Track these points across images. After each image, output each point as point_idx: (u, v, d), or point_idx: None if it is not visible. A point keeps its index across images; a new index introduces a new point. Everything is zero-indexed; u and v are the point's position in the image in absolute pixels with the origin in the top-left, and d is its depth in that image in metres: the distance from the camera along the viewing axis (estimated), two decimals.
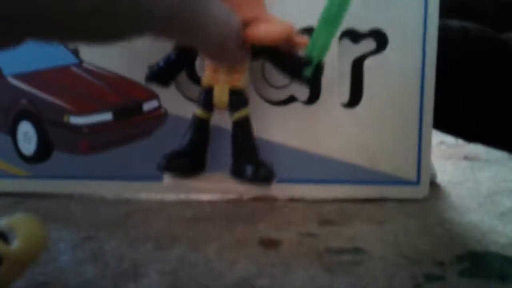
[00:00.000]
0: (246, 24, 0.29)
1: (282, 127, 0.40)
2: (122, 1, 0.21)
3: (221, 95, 0.33)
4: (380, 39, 0.39)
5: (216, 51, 0.28)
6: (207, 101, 0.34)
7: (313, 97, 0.40)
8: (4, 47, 0.22)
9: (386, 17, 0.39)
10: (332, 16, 0.31)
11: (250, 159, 0.34)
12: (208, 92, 0.34)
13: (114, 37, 0.23)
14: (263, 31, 0.30)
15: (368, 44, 0.40)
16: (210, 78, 0.34)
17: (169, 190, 0.40)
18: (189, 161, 0.34)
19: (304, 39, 0.32)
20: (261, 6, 0.32)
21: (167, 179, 0.35)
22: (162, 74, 0.36)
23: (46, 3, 0.19)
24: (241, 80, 0.34)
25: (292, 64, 0.33)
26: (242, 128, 0.34)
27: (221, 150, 0.35)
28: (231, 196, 0.40)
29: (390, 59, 0.39)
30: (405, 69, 0.40)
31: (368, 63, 0.40)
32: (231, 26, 0.27)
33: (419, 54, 0.39)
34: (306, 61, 0.32)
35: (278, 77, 0.40)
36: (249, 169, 0.33)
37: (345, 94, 0.40)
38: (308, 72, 0.32)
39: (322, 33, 0.31)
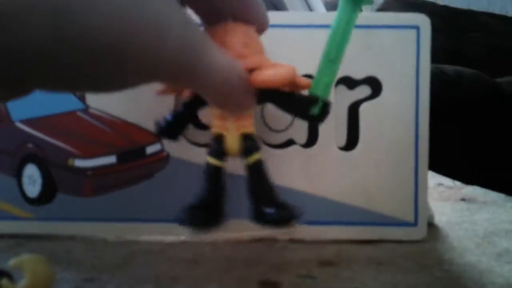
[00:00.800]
0: (250, 71, 0.30)
1: (282, 169, 0.41)
2: (128, 50, 0.21)
3: (232, 142, 0.33)
4: (375, 85, 0.41)
5: (221, 98, 0.28)
6: (219, 149, 0.33)
7: (311, 140, 0.41)
8: (13, 98, 0.23)
9: (380, 64, 0.41)
10: (333, 55, 0.32)
11: (270, 202, 0.33)
12: (219, 141, 0.33)
13: (119, 85, 0.24)
14: (269, 75, 0.30)
15: (363, 90, 0.41)
16: (219, 127, 0.33)
17: (171, 230, 0.40)
18: (209, 212, 0.33)
19: (307, 80, 0.32)
20: (263, 54, 0.32)
21: (187, 234, 0.33)
22: (172, 128, 0.35)
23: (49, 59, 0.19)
24: (250, 126, 0.33)
25: (299, 104, 0.33)
26: (257, 171, 0.33)
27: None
28: (232, 236, 0.41)
29: (385, 104, 0.41)
30: (399, 113, 0.41)
31: (363, 108, 0.41)
32: (235, 72, 0.28)
33: (413, 99, 0.41)
34: (313, 100, 0.32)
35: (277, 121, 0.41)
36: (269, 212, 0.32)
37: (342, 137, 0.41)
38: (315, 110, 0.32)
39: (326, 71, 0.32)
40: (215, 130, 0.34)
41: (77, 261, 0.38)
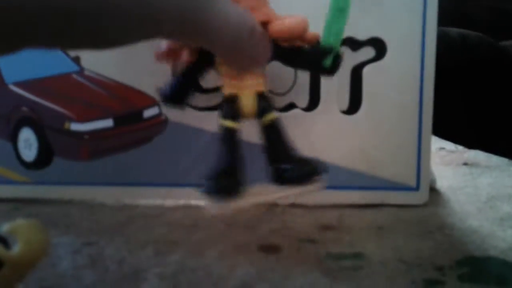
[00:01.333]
0: (263, 24, 0.29)
1: None
2: (130, 3, 0.20)
3: (249, 102, 0.32)
4: (379, 47, 0.40)
5: (235, 52, 0.27)
6: (233, 110, 0.32)
7: (313, 104, 0.40)
8: (2, 54, 0.22)
9: (384, 25, 0.39)
10: (341, 3, 0.31)
11: (289, 159, 0.31)
12: (232, 101, 0.32)
13: (121, 41, 0.22)
14: (288, 24, 0.29)
15: (367, 52, 0.40)
16: (232, 86, 0.32)
17: (169, 195, 0.39)
18: (234, 178, 0.31)
19: (315, 33, 0.31)
20: (268, 7, 0.31)
21: (211, 206, 0.30)
22: (176, 94, 0.34)
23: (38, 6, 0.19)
24: (264, 84, 0.32)
25: (311, 57, 0.32)
26: (274, 131, 0.32)
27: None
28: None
29: (389, 66, 0.40)
30: (404, 76, 0.40)
31: (367, 70, 0.40)
32: (248, 24, 0.27)
33: (418, 61, 0.40)
34: (325, 51, 0.31)
35: (278, 84, 0.40)
36: (289, 169, 0.31)
37: (344, 101, 0.40)
38: (328, 62, 0.31)
39: (335, 21, 0.31)
40: (227, 90, 0.32)
41: (75, 225, 0.37)
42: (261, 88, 0.32)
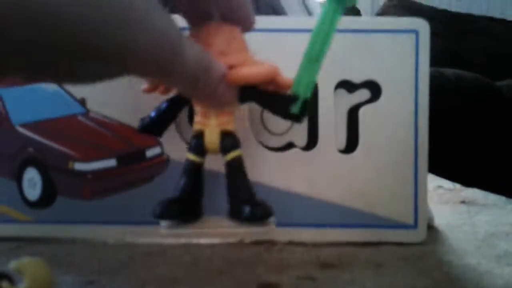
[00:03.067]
0: (231, 68, 0.30)
1: (281, 172, 0.41)
2: (109, 40, 0.22)
3: (211, 138, 0.34)
4: (374, 89, 0.41)
5: (197, 92, 0.29)
6: (198, 145, 0.34)
7: (311, 143, 0.42)
8: None
9: (379, 68, 0.41)
10: (315, 54, 0.32)
11: (246, 199, 0.33)
12: (199, 137, 0.34)
13: (99, 78, 0.24)
14: (247, 71, 0.31)
15: (363, 94, 0.41)
16: (200, 123, 0.34)
17: (170, 233, 0.40)
18: (184, 207, 0.34)
19: (288, 79, 0.32)
20: (246, 53, 0.33)
21: (164, 227, 0.33)
22: (154, 124, 0.36)
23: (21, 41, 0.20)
24: (231, 123, 0.34)
25: (279, 102, 0.33)
26: (236, 169, 0.34)
27: (218, 194, 0.35)
28: (231, 239, 0.41)
29: (384, 107, 0.41)
30: (399, 116, 0.41)
31: (363, 111, 0.41)
32: (200, 64, 0.28)
33: (412, 102, 0.41)
34: (292, 98, 0.32)
35: (277, 124, 0.41)
36: (245, 209, 0.33)
37: (342, 140, 0.42)
38: (295, 109, 0.32)
39: (307, 71, 0.32)
40: (196, 126, 0.35)
41: (78, 264, 0.38)
42: (227, 126, 0.34)
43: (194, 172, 0.34)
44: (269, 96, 0.33)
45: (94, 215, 0.42)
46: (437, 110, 0.41)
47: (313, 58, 0.32)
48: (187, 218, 0.34)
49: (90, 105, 0.43)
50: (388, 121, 0.41)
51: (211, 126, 0.34)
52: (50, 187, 0.43)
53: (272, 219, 0.33)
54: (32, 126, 0.43)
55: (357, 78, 0.41)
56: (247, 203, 0.33)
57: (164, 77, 0.28)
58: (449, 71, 0.48)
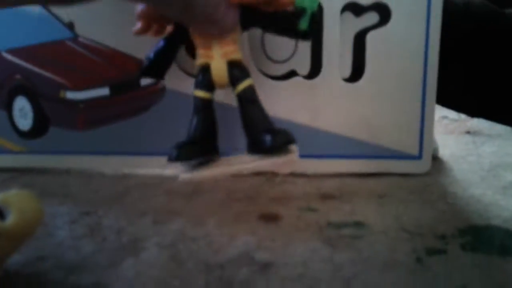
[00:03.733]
0: None
1: (283, 101, 0.40)
2: None
3: (219, 71, 0.31)
4: (383, 12, 0.38)
5: (191, 11, 0.27)
6: (205, 80, 0.32)
7: (314, 71, 0.39)
8: None
9: None
10: None
11: (265, 128, 0.31)
12: (205, 71, 0.32)
13: None
14: None
15: (371, 18, 0.39)
16: (203, 56, 0.32)
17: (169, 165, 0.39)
18: (200, 147, 0.31)
19: None
20: None
21: (182, 173, 0.31)
22: (155, 66, 0.34)
23: None
24: (237, 51, 0.31)
25: (284, 20, 0.31)
26: (249, 99, 0.31)
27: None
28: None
29: (393, 32, 0.38)
30: (408, 43, 0.39)
31: (370, 36, 0.39)
32: None
33: (423, 28, 0.38)
34: (299, 13, 0.30)
35: (278, 51, 0.39)
36: (266, 139, 0.30)
37: (346, 68, 0.39)
38: (303, 24, 0.30)
39: None
40: (199, 60, 0.32)
41: (73, 195, 0.37)
42: (233, 56, 0.31)
43: (205, 110, 0.32)
44: (273, 16, 0.31)
45: (90, 145, 0.41)
46: (444, 38, 0.39)
47: None
48: (204, 159, 0.31)
49: (78, 29, 0.40)
50: (397, 48, 0.39)
51: (216, 58, 0.31)
52: (41, 117, 0.41)
53: (294, 147, 0.31)
54: (19, 52, 0.41)
55: (365, 0, 0.38)
56: (267, 132, 0.31)
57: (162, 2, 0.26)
58: None
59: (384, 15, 0.38)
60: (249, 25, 0.31)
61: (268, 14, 0.30)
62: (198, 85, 0.32)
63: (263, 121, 0.32)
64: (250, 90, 0.32)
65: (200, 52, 0.32)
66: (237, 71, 0.32)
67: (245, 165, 0.31)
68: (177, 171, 0.31)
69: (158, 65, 0.34)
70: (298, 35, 0.31)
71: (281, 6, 0.30)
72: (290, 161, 0.31)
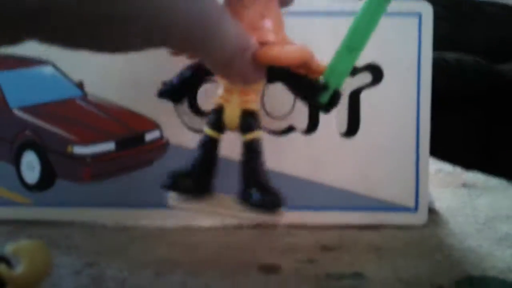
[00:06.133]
0: (262, 44, 0.29)
1: (282, 156, 0.41)
2: (137, 8, 0.22)
3: (231, 115, 0.32)
4: (376, 72, 0.41)
5: (227, 69, 0.28)
6: (216, 120, 0.32)
7: (312, 127, 0.41)
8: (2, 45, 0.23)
9: (381, 51, 0.40)
10: (355, 42, 0.29)
11: (258, 184, 0.32)
12: (218, 112, 0.32)
13: (124, 47, 0.24)
14: (278, 51, 0.29)
15: (364, 77, 0.41)
16: (222, 98, 0.32)
17: (170, 216, 0.40)
18: (195, 180, 0.32)
19: (322, 65, 0.31)
20: (281, 29, 0.31)
21: (172, 200, 0.32)
22: (175, 90, 0.35)
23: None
24: (255, 102, 0.32)
25: (308, 88, 0.31)
26: (253, 151, 0.32)
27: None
28: (235, 221, 0.40)
29: (386, 91, 0.41)
30: (401, 100, 0.41)
31: (364, 95, 0.41)
32: (245, 46, 0.27)
33: (414, 86, 0.41)
34: (323, 87, 0.30)
35: (277, 107, 0.41)
36: (256, 195, 0.31)
37: (343, 124, 0.41)
38: (324, 98, 0.30)
39: (343, 60, 0.30)
40: (217, 100, 0.33)
41: (77, 247, 0.37)
42: (250, 105, 0.32)
43: (210, 147, 0.33)
44: (299, 79, 0.31)
45: (93, 198, 0.42)
46: (437, 94, 0.41)
47: (352, 47, 0.30)
48: (197, 192, 0.32)
49: (87, 88, 0.42)
50: (390, 104, 0.41)
51: (232, 103, 0.32)
52: (48, 170, 0.43)
53: (281, 211, 0.32)
54: (30, 109, 0.43)
55: (359, 61, 0.40)
56: (259, 189, 0.32)
57: (201, 54, 0.28)
58: (450, 55, 0.47)
59: (377, 75, 0.41)
60: (273, 80, 0.32)
61: (294, 76, 0.31)
62: (209, 124, 0.33)
63: (260, 176, 0.32)
64: (257, 142, 0.32)
65: (220, 93, 0.33)
66: (250, 120, 0.32)
67: (232, 211, 0.32)
68: (170, 200, 0.32)
69: (180, 89, 0.35)
70: (317, 106, 0.32)
71: (311, 73, 0.31)
72: (274, 220, 0.32)
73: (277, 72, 0.30)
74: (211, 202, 0.32)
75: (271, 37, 0.30)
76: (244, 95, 0.32)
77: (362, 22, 0.30)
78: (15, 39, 0.22)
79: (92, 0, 0.21)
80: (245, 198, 0.32)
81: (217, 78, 0.33)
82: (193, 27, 0.24)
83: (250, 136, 0.32)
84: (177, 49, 0.28)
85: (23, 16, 0.20)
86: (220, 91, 0.33)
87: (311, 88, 0.31)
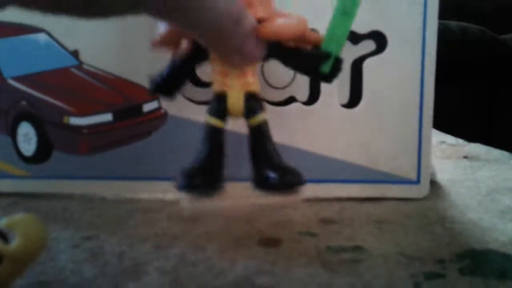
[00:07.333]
0: (259, 21, 0.28)
1: (282, 127, 0.40)
2: None
3: (236, 101, 0.30)
4: (380, 40, 0.39)
5: (216, 42, 0.27)
6: (220, 108, 0.31)
7: (313, 97, 0.40)
8: None
9: (385, 19, 0.39)
10: (348, 6, 0.29)
11: (274, 165, 0.30)
12: (220, 99, 0.31)
13: (105, 11, 0.22)
14: (279, 25, 0.28)
15: (368, 46, 0.40)
16: (221, 83, 0.31)
17: (170, 189, 0.39)
18: (207, 177, 0.30)
19: (318, 35, 0.30)
20: (273, 4, 0.30)
21: (185, 200, 0.31)
22: (167, 84, 0.33)
23: None
24: (256, 83, 0.31)
25: (309, 61, 0.30)
26: (262, 134, 0.31)
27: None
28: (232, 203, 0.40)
29: (390, 60, 0.39)
30: (404, 70, 0.40)
31: (367, 64, 0.40)
32: (231, 11, 0.26)
33: (419, 55, 0.40)
34: (324, 56, 0.30)
35: (277, 78, 0.40)
36: (273, 177, 0.30)
37: (344, 94, 0.40)
38: (326, 67, 0.30)
39: (339, 26, 0.29)
40: (216, 87, 0.31)
41: (75, 220, 0.37)
42: (251, 88, 0.31)
43: (216, 138, 0.31)
44: (297, 53, 0.30)
45: (92, 170, 0.42)
46: (441, 64, 0.40)
47: (346, 12, 0.29)
48: (211, 188, 0.31)
49: (83, 57, 0.41)
50: (393, 74, 0.40)
51: (234, 88, 0.30)
52: (45, 142, 0.42)
53: (300, 187, 0.30)
54: (25, 79, 0.42)
55: (362, 29, 0.39)
56: (275, 169, 0.30)
57: (190, 23, 0.26)
58: (454, 24, 0.46)
59: (381, 43, 0.40)
60: (271, 57, 0.31)
61: (293, 50, 0.30)
62: (211, 112, 0.31)
63: (274, 157, 0.31)
64: (265, 125, 0.31)
65: (217, 79, 0.31)
66: (253, 103, 0.31)
67: (249, 199, 0.31)
68: (179, 196, 0.31)
69: (171, 83, 0.33)
70: (319, 76, 0.31)
71: (308, 44, 0.30)
72: (293, 203, 0.31)
73: (275, 49, 0.29)
74: (226, 196, 0.31)
75: (267, 12, 0.29)
76: (242, 76, 0.31)
77: None
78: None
79: None
80: (261, 183, 0.31)
81: (211, 63, 0.32)
82: None
83: (256, 120, 0.31)
84: (170, 20, 0.26)
85: None
86: (216, 76, 0.31)
87: (312, 60, 0.30)
